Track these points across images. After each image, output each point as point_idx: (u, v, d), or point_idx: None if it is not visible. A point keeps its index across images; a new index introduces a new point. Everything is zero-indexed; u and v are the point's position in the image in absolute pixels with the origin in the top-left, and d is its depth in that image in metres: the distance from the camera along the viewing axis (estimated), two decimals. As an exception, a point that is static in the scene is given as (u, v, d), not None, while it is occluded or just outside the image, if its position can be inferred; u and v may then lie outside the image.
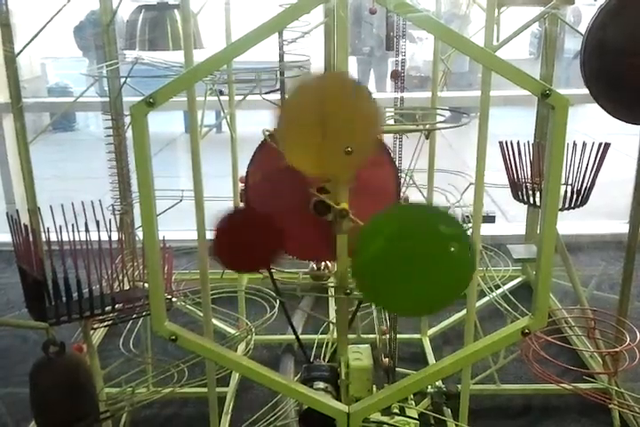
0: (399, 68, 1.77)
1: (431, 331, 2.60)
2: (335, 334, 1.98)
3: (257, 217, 1.27)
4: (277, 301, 2.30)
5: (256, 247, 1.26)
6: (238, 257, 1.26)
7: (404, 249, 1.14)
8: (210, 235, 1.32)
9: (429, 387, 2.13)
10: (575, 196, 2.18)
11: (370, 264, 1.14)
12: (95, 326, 1.69)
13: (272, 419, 1.98)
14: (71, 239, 1.52)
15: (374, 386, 1.37)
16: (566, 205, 2.18)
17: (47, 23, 2.06)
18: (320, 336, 2.39)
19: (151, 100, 1.03)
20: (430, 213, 1.16)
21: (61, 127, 6.81)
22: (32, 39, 2.07)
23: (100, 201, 1.68)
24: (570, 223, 3.28)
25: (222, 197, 2.41)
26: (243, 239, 1.25)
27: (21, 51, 2.06)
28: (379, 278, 1.14)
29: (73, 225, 1.50)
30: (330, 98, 1.08)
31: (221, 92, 2.14)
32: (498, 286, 2.46)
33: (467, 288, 1.19)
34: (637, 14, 1.63)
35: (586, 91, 1.74)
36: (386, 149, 1.40)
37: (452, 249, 1.13)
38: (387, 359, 1.91)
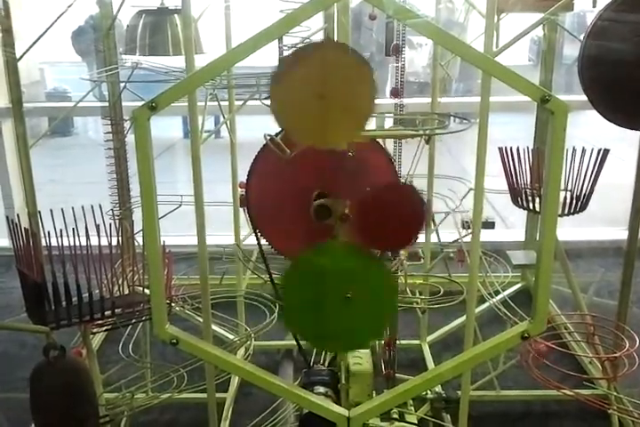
0: (398, 86, 1.78)
1: (431, 337, 2.60)
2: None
3: (404, 194, 1.21)
4: (277, 306, 2.29)
5: (400, 224, 1.19)
6: (380, 234, 1.19)
7: (331, 284, 1.18)
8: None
9: (429, 393, 2.13)
10: (574, 202, 2.18)
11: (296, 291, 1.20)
12: (94, 330, 1.69)
13: (271, 424, 1.98)
14: (71, 244, 1.52)
15: (374, 392, 1.37)
16: (565, 211, 2.18)
17: (48, 28, 2.06)
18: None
19: (153, 105, 1.04)
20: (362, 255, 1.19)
21: (59, 132, 6.80)
22: (33, 44, 2.07)
23: (100, 205, 1.69)
24: (569, 230, 3.29)
25: (221, 202, 2.42)
26: (388, 216, 1.18)
27: (22, 55, 2.07)
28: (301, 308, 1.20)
29: (73, 229, 1.50)
30: (327, 67, 1.07)
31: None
32: (497, 292, 2.46)
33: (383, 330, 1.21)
34: (635, 21, 1.64)
35: (585, 97, 1.75)
36: (386, 154, 1.41)
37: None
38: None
